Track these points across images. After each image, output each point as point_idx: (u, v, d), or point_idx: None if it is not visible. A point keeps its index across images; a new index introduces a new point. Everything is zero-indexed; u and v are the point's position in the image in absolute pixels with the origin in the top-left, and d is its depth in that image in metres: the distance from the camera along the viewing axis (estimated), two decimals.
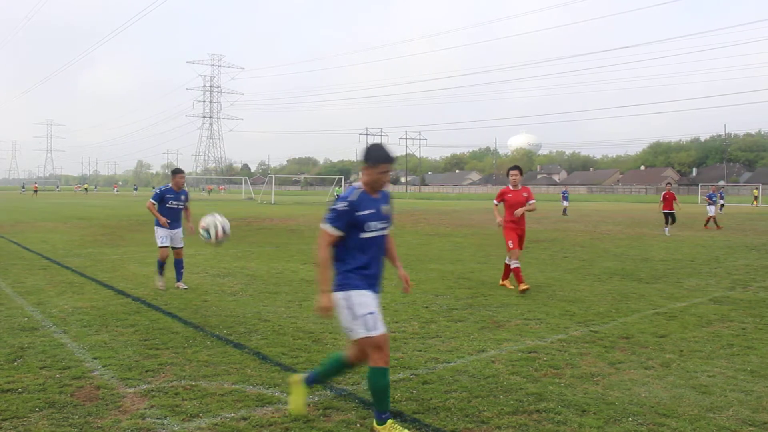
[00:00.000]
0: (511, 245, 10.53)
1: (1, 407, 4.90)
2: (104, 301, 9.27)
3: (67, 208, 41.81)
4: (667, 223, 23.34)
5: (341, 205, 4.47)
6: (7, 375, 5.72)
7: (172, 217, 10.40)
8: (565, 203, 41.21)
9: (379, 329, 4.44)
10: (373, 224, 4.54)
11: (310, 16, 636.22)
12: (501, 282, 10.97)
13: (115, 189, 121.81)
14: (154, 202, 10.29)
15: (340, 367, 4.87)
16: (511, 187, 10.72)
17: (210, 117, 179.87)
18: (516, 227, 10.67)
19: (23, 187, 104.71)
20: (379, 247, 4.66)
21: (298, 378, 4.89)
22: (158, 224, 10.30)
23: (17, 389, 5.33)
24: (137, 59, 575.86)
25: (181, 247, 10.57)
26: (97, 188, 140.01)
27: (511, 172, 10.61)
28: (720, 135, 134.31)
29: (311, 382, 4.88)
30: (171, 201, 10.35)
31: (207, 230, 8.70)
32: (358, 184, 4.63)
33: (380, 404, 4.49)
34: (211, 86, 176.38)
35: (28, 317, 8.15)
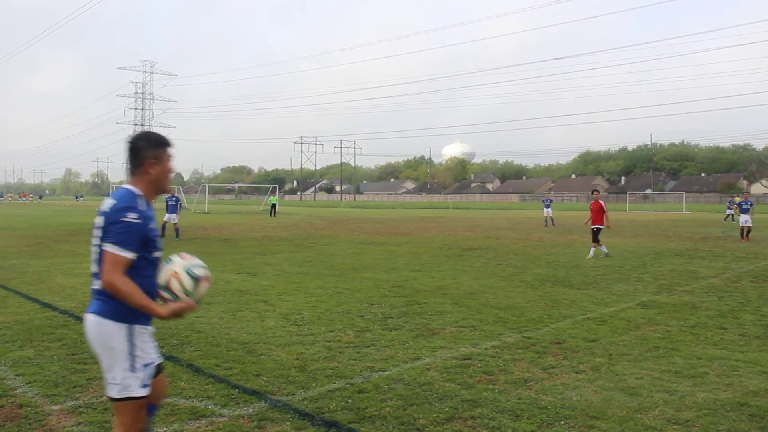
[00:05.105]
0: None
1: None
2: (29, 315, 8.93)
3: None
4: (595, 240, 17.71)
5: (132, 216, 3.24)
6: None
7: None
8: (548, 211, 35.76)
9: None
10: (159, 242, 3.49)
11: (251, 23, 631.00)
12: None
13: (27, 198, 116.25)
14: None
15: None
16: None
17: (142, 125, 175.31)
18: None
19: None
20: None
21: None
22: None
23: None
24: (65, 64, 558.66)
25: None
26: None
27: None
28: (647, 145, 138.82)
29: None
30: None
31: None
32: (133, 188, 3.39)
33: None
34: (143, 93, 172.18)
35: None
